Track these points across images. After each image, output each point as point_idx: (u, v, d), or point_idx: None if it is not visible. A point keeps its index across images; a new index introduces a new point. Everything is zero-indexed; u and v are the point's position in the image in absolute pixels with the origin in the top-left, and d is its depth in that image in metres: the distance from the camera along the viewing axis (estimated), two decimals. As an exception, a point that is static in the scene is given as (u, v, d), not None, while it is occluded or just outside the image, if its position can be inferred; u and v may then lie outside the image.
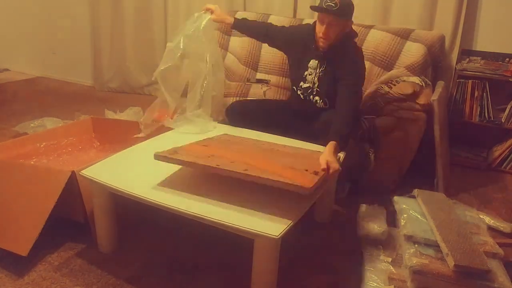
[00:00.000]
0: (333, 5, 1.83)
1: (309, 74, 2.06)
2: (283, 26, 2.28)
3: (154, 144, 1.87)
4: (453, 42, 2.82)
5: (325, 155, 1.61)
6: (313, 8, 1.94)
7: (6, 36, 4.74)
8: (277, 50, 2.39)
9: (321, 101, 2.07)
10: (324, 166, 1.53)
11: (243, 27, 2.28)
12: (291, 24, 2.81)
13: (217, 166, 1.33)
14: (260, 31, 2.26)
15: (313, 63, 2.04)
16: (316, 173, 1.38)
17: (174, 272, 1.61)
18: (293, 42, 2.14)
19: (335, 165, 1.55)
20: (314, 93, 2.07)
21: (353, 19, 1.99)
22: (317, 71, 2.03)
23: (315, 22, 2.01)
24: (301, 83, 2.10)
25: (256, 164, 1.43)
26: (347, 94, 1.89)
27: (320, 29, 1.93)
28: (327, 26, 1.89)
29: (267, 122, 2.12)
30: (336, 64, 1.97)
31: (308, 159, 1.59)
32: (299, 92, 2.14)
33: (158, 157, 1.47)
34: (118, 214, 1.68)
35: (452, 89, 2.81)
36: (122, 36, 4.09)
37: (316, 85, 2.05)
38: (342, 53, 1.96)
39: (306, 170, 1.43)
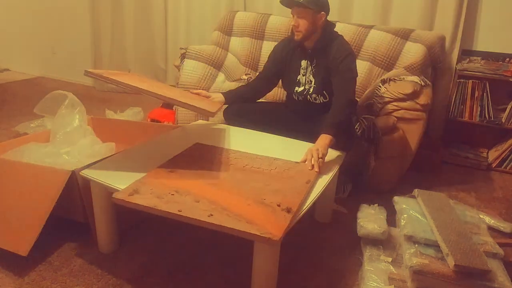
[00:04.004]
0: None
1: (303, 75, 2.10)
2: (266, 62, 2.26)
3: (154, 144, 1.88)
4: (453, 42, 2.82)
5: (316, 145, 1.72)
6: (281, 2, 1.97)
7: (6, 36, 4.75)
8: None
9: (320, 96, 2.09)
10: (305, 157, 1.68)
11: (234, 98, 2.16)
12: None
13: (179, 213, 1.26)
14: (260, 86, 2.23)
15: (304, 63, 2.09)
16: (288, 210, 1.28)
17: (174, 272, 1.60)
18: (279, 60, 2.16)
19: (318, 151, 1.67)
20: (311, 91, 2.08)
21: (330, 14, 2.01)
22: (309, 69, 2.07)
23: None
24: (296, 88, 2.13)
25: (222, 198, 1.35)
26: (340, 84, 1.95)
27: (292, 22, 2.00)
28: (297, 18, 1.96)
29: (265, 122, 2.11)
30: (325, 56, 2.01)
31: (284, 180, 1.49)
32: (295, 97, 2.16)
33: (117, 200, 1.34)
34: (118, 214, 1.68)
35: (452, 89, 2.81)
36: (122, 36, 4.09)
37: (312, 82, 2.08)
38: (327, 45, 2.01)
39: (279, 205, 1.31)
